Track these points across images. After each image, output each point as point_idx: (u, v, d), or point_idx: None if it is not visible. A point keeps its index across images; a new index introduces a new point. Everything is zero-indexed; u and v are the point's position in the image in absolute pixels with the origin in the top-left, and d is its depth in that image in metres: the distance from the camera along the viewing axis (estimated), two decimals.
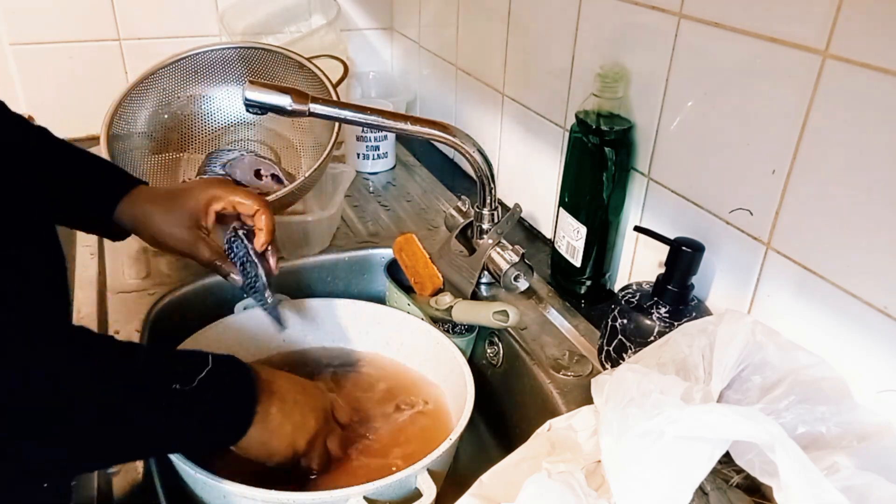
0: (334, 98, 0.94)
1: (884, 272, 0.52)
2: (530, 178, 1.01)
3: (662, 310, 0.66)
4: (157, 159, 0.99)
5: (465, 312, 0.78)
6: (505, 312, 0.74)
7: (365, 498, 0.54)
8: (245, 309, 0.79)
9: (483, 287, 0.88)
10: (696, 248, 0.65)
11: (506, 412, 0.83)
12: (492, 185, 0.82)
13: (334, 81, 0.96)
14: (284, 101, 0.71)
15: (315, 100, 0.72)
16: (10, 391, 0.42)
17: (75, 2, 1.21)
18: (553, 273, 0.89)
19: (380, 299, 0.85)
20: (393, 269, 0.87)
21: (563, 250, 0.85)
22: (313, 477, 0.63)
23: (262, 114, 0.73)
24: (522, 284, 0.81)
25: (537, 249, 0.97)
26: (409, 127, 0.75)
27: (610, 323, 0.69)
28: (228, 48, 1.00)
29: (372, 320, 0.81)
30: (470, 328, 0.83)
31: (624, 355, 0.68)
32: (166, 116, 1.02)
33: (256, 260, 0.71)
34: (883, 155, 0.51)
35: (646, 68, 0.74)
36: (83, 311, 0.80)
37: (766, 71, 0.60)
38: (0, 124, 0.65)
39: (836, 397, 0.51)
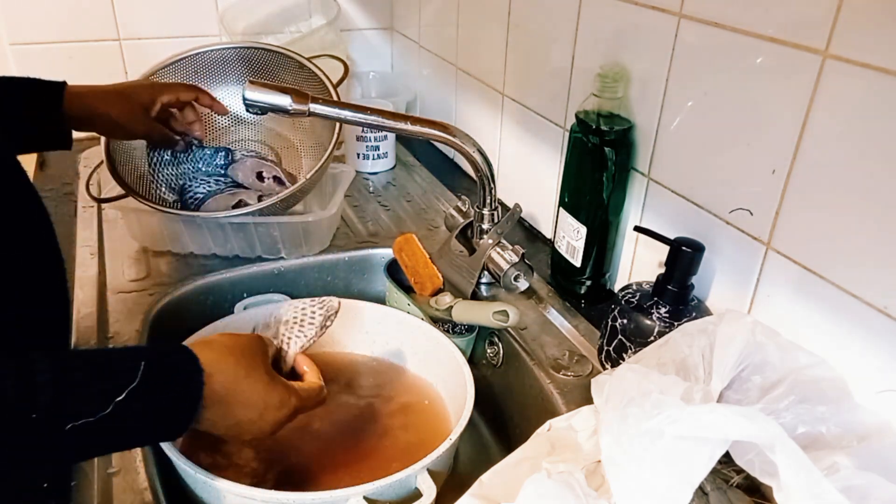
0: (334, 98, 0.94)
1: (884, 272, 0.52)
2: (530, 178, 1.01)
3: (662, 310, 0.66)
4: (158, 159, 0.99)
5: (465, 312, 0.78)
6: (505, 312, 0.74)
7: (365, 498, 0.54)
8: (245, 309, 0.79)
9: (483, 287, 0.88)
10: (696, 248, 0.65)
11: (506, 412, 0.83)
12: (492, 185, 0.82)
13: (335, 81, 0.96)
14: (284, 101, 0.71)
15: (315, 100, 0.72)
16: None
17: (75, 2, 1.21)
18: (553, 273, 0.89)
19: (380, 299, 0.85)
20: (393, 269, 0.87)
21: (563, 250, 0.85)
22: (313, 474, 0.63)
23: (263, 114, 0.73)
24: (522, 284, 0.81)
25: (537, 249, 0.97)
26: (409, 127, 0.75)
27: (610, 323, 0.69)
28: (228, 48, 1.00)
29: (372, 320, 0.81)
30: (470, 328, 0.83)
31: (624, 355, 0.68)
32: None
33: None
34: (883, 155, 0.51)
35: (646, 68, 0.74)
36: (83, 311, 0.80)
37: (766, 71, 0.60)
38: None
39: (836, 397, 0.51)
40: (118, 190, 0.89)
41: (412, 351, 0.79)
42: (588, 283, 0.84)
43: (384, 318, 0.80)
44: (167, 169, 0.97)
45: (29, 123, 0.75)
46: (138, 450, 0.61)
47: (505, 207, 0.91)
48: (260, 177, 0.97)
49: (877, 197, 0.52)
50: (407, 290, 0.85)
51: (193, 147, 0.95)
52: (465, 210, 0.89)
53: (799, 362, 0.53)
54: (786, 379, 0.52)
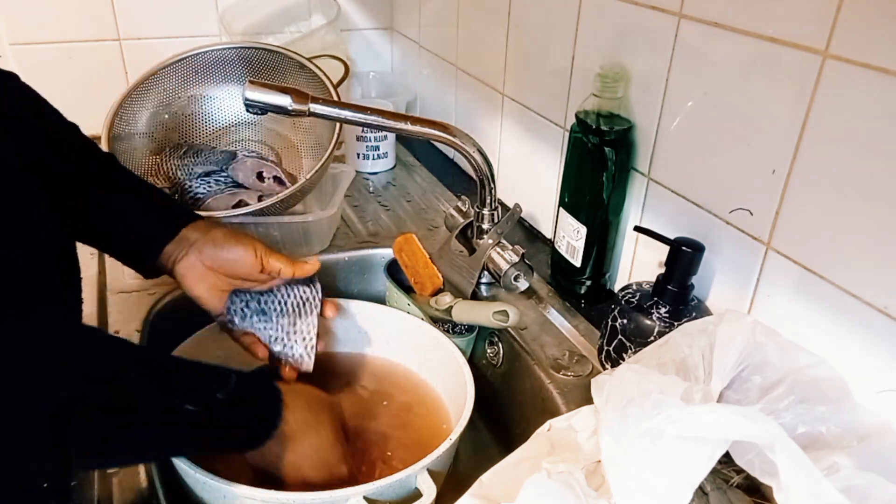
0: (335, 98, 0.94)
1: (884, 272, 0.52)
2: (530, 178, 1.01)
3: (662, 310, 0.66)
4: (158, 159, 0.99)
5: (465, 312, 0.78)
6: (505, 312, 0.74)
7: (365, 498, 0.54)
8: None
9: (483, 287, 0.88)
10: (696, 248, 0.65)
11: (506, 412, 0.83)
12: (492, 185, 0.82)
13: (335, 81, 0.96)
14: (285, 101, 0.71)
15: (315, 100, 0.72)
16: (31, 393, 0.42)
17: (75, 2, 1.21)
18: (553, 273, 0.89)
19: (380, 299, 0.85)
20: (393, 269, 0.87)
21: (563, 250, 0.85)
22: None
23: (263, 114, 0.73)
24: (522, 284, 0.81)
25: (537, 249, 0.97)
26: (409, 127, 0.75)
27: (610, 323, 0.69)
28: (228, 48, 1.00)
29: (372, 320, 0.81)
30: (470, 328, 0.83)
31: (624, 355, 0.68)
32: (167, 117, 1.02)
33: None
34: (883, 155, 0.51)
35: (646, 68, 0.74)
36: (83, 311, 0.80)
37: (766, 71, 0.60)
38: (65, 145, 0.66)
39: (836, 397, 0.51)
40: None
41: (412, 351, 0.79)
42: (588, 283, 0.84)
43: (384, 318, 0.80)
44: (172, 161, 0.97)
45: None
46: None
47: (505, 207, 0.91)
48: (260, 177, 0.97)
49: (877, 197, 0.52)
50: (407, 290, 0.85)
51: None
52: (465, 210, 0.89)
53: (799, 362, 0.53)
54: (786, 379, 0.52)
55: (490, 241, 0.82)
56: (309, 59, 0.97)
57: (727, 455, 0.46)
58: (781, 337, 0.54)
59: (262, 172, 0.97)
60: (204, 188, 0.94)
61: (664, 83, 0.71)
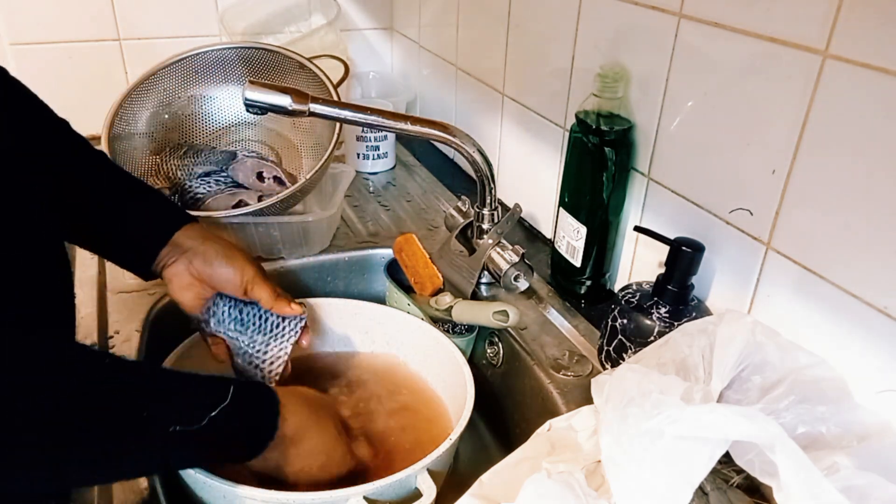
0: (335, 98, 0.94)
1: (884, 272, 0.52)
2: (530, 178, 1.01)
3: (662, 310, 0.66)
4: (158, 160, 0.99)
5: (465, 312, 0.78)
6: (505, 312, 0.74)
7: (365, 498, 0.54)
8: None
9: (483, 287, 0.88)
10: (696, 248, 0.65)
11: (506, 412, 0.83)
12: (492, 185, 0.82)
13: (335, 81, 0.96)
14: (284, 101, 0.71)
15: (315, 100, 0.72)
16: (17, 406, 0.42)
17: (75, 2, 1.21)
18: (553, 273, 0.89)
19: (380, 299, 0.85)
20: (393, 269, 0.87)
21: (563, 250, 0.85)
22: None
23: (263, 114, 0.73)
24: (522, 284, 0.81)
25: (537, 249, 0.97)
26: (409, 127, 0.75)
27: (610, 323, 0.69)
28: (228, 48, 1.00)
29: (372, 320, 0.81)
30: (470, 328, 0.83)
31: (624, 355, 0.68)
32: (167, 117, 1.02)
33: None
34: (883, 155, 0.51)
35: (646, 68, 0.74)
36: (83, 311, 0.80)
37: (766, 71, 0.60)
38: (56, 144, 0.65)
39: (836, 397, 0.51)
40: None
41: (412, 351, 0.79)
42: (588, 283, 0.84)
43: (384, 318, 0.80)
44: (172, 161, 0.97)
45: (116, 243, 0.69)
46: None
47: (505, 207, 0.91)
48: (260, 177, 0.97)
49: (877, 197, 0.52)
50: (407, 290, 0.85)
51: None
52: (465, 210, 0.88)
53: (799, 362, 0.53)
54: (786, 379, 0.52)
55: (490, 241, 0.82)
56: (309, 59, 0.97)
57: (727, 455, 0.46)
58: (781, 337, 0.54)
59: (262, 172, 0.97)
60: (204, 188, 0.94)
61: (664, 83, 0.71)
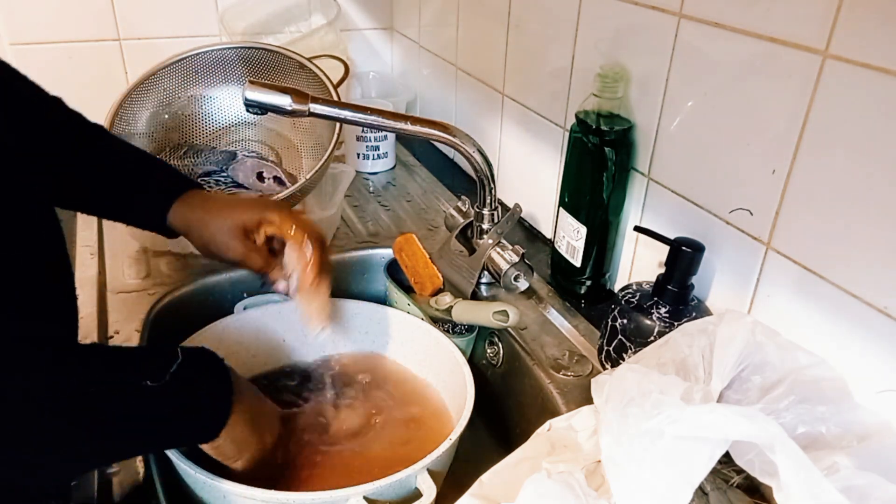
0: (335, 98, 0.94)
1: (884, 272, 0.52)
2: (530, 178, 1.01)
3: (662, 310, 0.66)
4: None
5: (465, 312, 0.78)
6: (505, 312, 0.74)
7: (365, 498, 0.54)
8: (245, 309, 0.79)
9: (483, 287, 0.88)
10: (696, 248, 0.65)
11: (506, 412, 0.83)
12: (492, 185, 0.82)
13: (335, 81, 0.96)
14: (284, 101, 0.71)
15: (315, 100, 0.72)
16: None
17: (75, 2, 1.21)
18: (553, 273, 0.89)
19: (380, 299, 0.85)
20: (393, 269, 0.87)
21: (563, 250, 0.85)
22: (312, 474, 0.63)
23: (263, 114, 0.73)
24: (522, 284, 0.81)
25: (537, 249, 0.97)
26: (409, 127, 0.75)
27: (610, 323, 0.69)
28: (228, 48, 1.00)
29: (372, 320, 0.81)
30: (470, 328, 0.83)
31: (624, 355, 0.68)
32: (167, 117, 1.02)
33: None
34: (883, 155, 0.51)
35: (646, 68, 0.74)
36: (83, 311, 0.80)
37: (766, 71, 0.60)
38: (51, 119, 0.66)
39: (836, 397, 0.51)
40: None
41: (412, 351, 0.79)
42: (588, 283, 0.84)
43: (384, 318, 0.80)
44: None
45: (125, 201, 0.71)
46: None
47: (505, 207, 0.91)
48: (260, 177, 0.97)
49: (877, 197, 0.52)
50: (407, 290, 0.85)
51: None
52: (465, 210, 0.89)
53: (799, 362, 0.53)
54: (786, 379, 0.52)
55: (490, 241, 0.82)
56: (309, 59, 0.97)
57: (727, 455, 0.46)
58: (781, 337, 0.54)
59: (262, 173, 0.97)
60: (204, 188, 0.94)
61: (664, 83, 0.71)
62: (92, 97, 1.00)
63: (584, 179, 0.79)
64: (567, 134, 0.86)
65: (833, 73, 0.54)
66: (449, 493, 0.56)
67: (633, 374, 0.50)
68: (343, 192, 0.96)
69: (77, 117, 0.69)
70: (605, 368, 0.72)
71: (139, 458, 0.61)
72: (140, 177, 0.70)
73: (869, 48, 0.51)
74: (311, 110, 0.72)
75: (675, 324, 0.63)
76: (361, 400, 0.75)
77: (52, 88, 0.68)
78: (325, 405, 0.74)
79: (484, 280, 0.87)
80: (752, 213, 0.64)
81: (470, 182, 1.17)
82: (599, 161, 0.76)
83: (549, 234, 1.00)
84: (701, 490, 0.49)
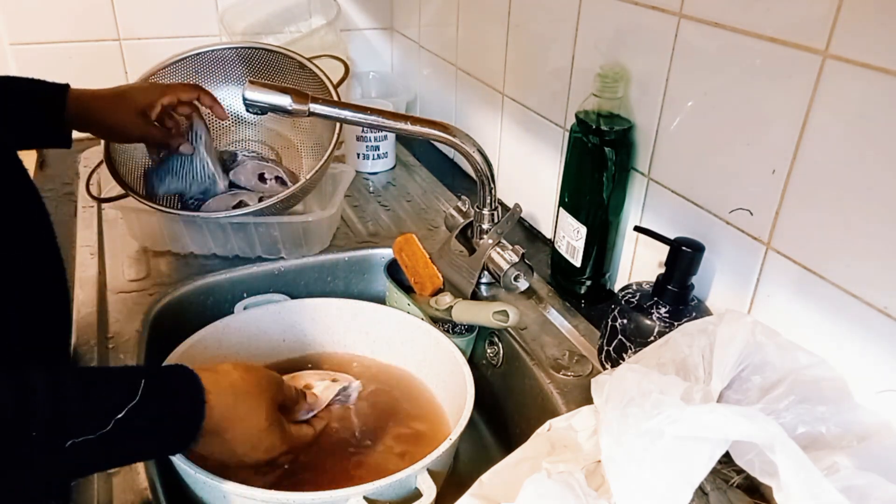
0: (335, 98, 0.94)
1: (884, 272, 0.52)
2: (530, 178, 1.01)
3: (662, 310, 0.66)
4: (158, 160, 0.99)
5: (465, 312, 0.78)
6: (505, 312, 0.74)
7: (365, 498, 0.54)
8: (245, 309, 0.79)
9: (483, 287, 0.88)
10: (696, 248, 0.65)
11: (506, 412, 0.83)
12: (492, 185, 0.82)
13: (335, 81, 0.96)
14: (284, 101, 0.71)
15: (315, 100, 0.72)
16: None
17: (75, 2, 1.21)
18: (553, 273, 0.89)
19: (380, 299, 0.85)
20: (393, 269, 0.87)
21: (563, 250, 0.85)
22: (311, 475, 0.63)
23: (263, 114, 0.73)
24: (522, 284, 0.81)
25: (537, 249, 0.97)
26: (409, 127, 0.75)
27: (610, 323, 0.69)
28: (228, 48, 1.00)
29: (372, 320, 0.81)
30: (470, 328, 0.83)
31: (624, 355, 0.68)
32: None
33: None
34: (883, 155, 0.51)
35: (646, 68, 0.74)
36: (83, 311, 0.80)
37: (766, 71, 0.60)
38: None
39: (836, 397, 0.51)
40: (118, 190, 0.89)
41: (412, 351, 0.79)
42: (588, 283, 0.84)
43: (384, 318, 0.80)
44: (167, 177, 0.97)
45: (31, 122, 0.75)
46: None
47: (505, 207, 0.91)
48: (262, 178, 0.97)
49: (877, 197, 0.52)
50: (407, 290, 0.85)
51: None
52: (465, 210, 0.89)
53: (799, 362, 0.53)
54: (786, 379, 0.52)
55: (490, 241, 0.82)
56: (309, 59, 0.97)
57: (727, 455, 0.46)
58: (781, 337, 0.54)
59: (263, 174, 0.97)
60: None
61: (664, 83, 0.71)
62: None
63: (584, 179, 0.79)
64: (567, 134, 0.86)
65: (833, 73, 0.54)
66: (449, 493, 0.56)
67: (633, 374, 0.50)
68: (343, 192, 0.96)
69: None
70: (605, 368, 0.72)
71: None
72: (22, 96, 0.75)
73: (869, 48, 0.51)
74: (311, 110, 0.72)
75: (675, 324, 0.63)
76: (361, 400, 0.75)
77: None
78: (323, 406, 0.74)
79: (484, 280, 0.87)
80: (752, 213, 0.64)
81: (470, 182, 1.17)
82: (599, 161, 0.76)
83: (549, 234, 1.00)
84: (701, 490, 0.49)
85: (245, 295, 0.85)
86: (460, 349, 0.73)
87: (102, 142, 0.90)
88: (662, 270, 0.67)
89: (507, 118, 1.05)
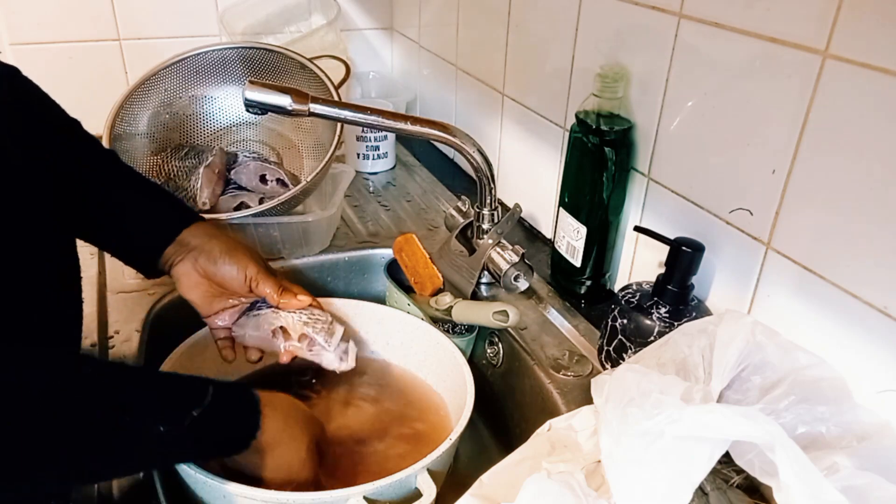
0: (335, 98, 0.94)
1: (884, 272, 0.52)
2: (530, 178, 1.01)
3: (662, 310, 0.66)
4: (159, 160, 0.99)
5: (465, 312, 0.78)
6: (505, 312, 0.74)
7: (365, 498, 0.54)
8: None
9: (483, 287, 0.88)
10: (696, 248, 0.65)
11: (506, 412, 0.83)
12: (492, 185, 0.82)
13: (336, 82, 0.96)
14: (284, 101, 0.71)
15: (315, 100, 0.72)
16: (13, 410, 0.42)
17: (75, 2, 1.21)
18: (553, 273, 0.89)
19: (380, 299, 0.85)
20: (393, 269, 0.87)
21: (563, 250, 0.85)
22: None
23: (263, 114, 0.73)
24: (522, 284, 0.81)
25: (537, 249, 0.97)
26: (409, 127, 0.75)
27: (610, 323, 0.70)
28: (228, 48, 1.00)
29: (372, 320, 0.81)
30: (470, 328, 0.83)
31: (624, 355, 0.68)
32: (167, 117, 1.02)
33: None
34: (883, 155, 0.51)
35: (646, 68, 0.74)
36: (84, 311, 0.80)
37: (766, 71, 0.60)
38: (68, 140, 0.66)
39: (836, 397, 0.51)
40: None
41: (412, 351, 0.79)
42: (588, 283, 0.84)
43: (384, 318, 0.80)
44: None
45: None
46: None
47: (505, 207, 0.91)
48: (263, 179, 0.97)
49: (877, 197, 0.52)
50: (407, 290, 0.85)
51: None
52: (465, 210, 0.89)
53: (799, 362, 0.53)
54: (786, 379, 0.52)
55: (490, 241, 0.82)
56: (310, 60, 0.97)
57: (727, 455, 0.46)
58: (781, 337, 0.54)
59: (265, 175, 0.97)
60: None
61: (664, 83, 0.71)
62: (92, 97, 1.00)
63: (584, 179, 0.79)
64: (567, 134, 0.86)
65: (833, 73, 0.54)
66: (449, 493, 0.56)
67: (633, 374, 0.50)
68: (343, 192, 0.96)
69: (90, 141, 0.69)
70: (605, 368, 0.72)
71: None
72: (139, 211, 0.69)
73: (869, 48, 0.51)
74: (311, 110, 0.72)
75: (675, 324, 0.63)
76: (360, 399, 0.75)
77: (52, 89, 0.68)
78: (324, 405, 0.74)
79: (484, 280, 0.87)
80: (751, 213, 0.64)
81: (470, 182, 1.17)
82: (599, 161, 0.76)
83: (549, 234, 1.00)
84: (701, 490, 0.49)
85: None
86: (460, 349, 0.73)
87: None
88: (662, 270, 0.67)
89: (507, 118, 1.05)
